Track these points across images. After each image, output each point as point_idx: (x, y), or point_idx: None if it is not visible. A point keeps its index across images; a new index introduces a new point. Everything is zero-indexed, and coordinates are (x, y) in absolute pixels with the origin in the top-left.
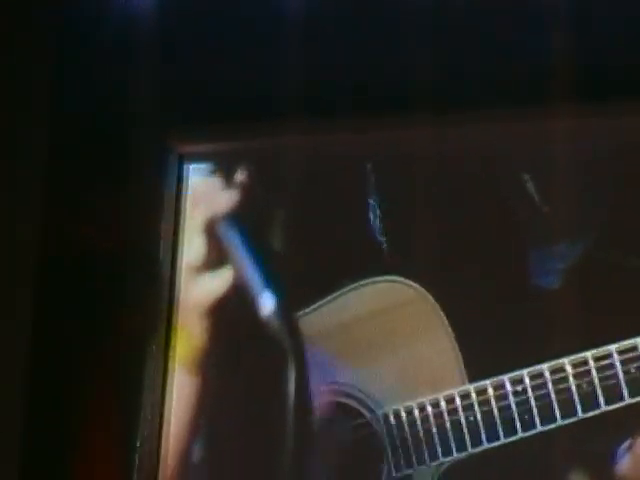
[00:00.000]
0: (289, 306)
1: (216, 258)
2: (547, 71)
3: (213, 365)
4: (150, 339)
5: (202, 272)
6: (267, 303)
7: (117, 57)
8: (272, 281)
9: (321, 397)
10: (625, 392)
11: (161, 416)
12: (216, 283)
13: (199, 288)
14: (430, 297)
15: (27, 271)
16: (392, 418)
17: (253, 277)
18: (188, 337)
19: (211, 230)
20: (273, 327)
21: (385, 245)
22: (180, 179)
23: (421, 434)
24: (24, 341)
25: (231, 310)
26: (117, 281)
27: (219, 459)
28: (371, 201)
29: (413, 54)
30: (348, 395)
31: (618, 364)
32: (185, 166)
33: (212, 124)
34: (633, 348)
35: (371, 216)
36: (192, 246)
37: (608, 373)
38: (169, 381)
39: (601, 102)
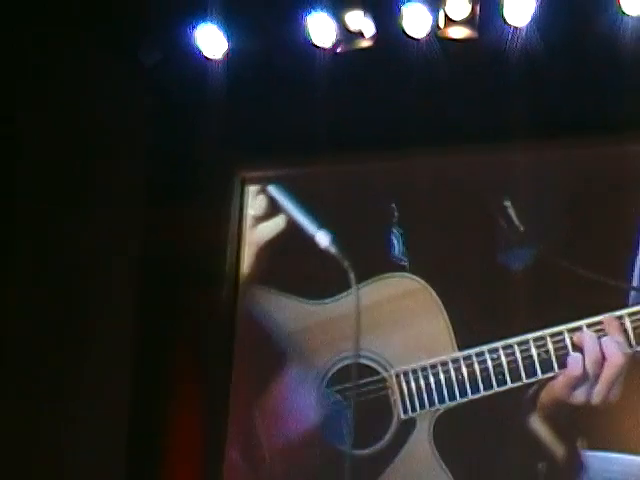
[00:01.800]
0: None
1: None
2: (517, 121)
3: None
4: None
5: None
6: (324, 238)
7: (197, 108)
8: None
9: None
10: None
11: None
12: (271, 227)
13: (258, 233)
14: (430, 288)
15: (134, 270)
16: (401, 376)
17: (307, 222)
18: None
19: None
20: (333, 253)
21: (400, 254)
22: (242, 198)
23: (422, 387)
24: (130, 318)
25: (287, 244)
26: (195, 278)
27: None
28: (393, 227)
29: (413, 109)
30: (370, 359)
31: (567, 340)
32: (246, 188)
33: (268, 155)
34: (579, 328)
35: (391, 235)
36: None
37: (560, 345)
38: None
39: (557, 142)
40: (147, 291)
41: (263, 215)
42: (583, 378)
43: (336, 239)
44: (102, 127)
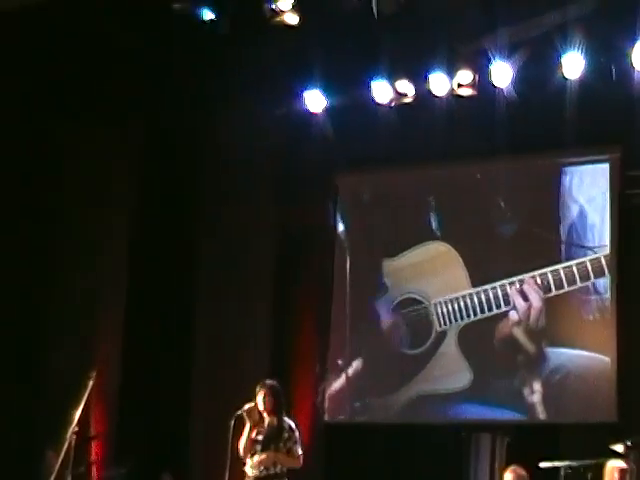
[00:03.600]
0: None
1: None
2: (502, 144)
3: None
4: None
5: None
6: None
7: (307, 142)
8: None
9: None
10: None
11: None
12: None
13: None
14: (455, 250)
15: (269, 251)
16: (437, 305)
17: None
18: None
19: None
20: None
21: (436, 228)
22: (336, 198)
23: (450, 310)
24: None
25: None
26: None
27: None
28: (432, 212)
29: (438, 139)
30: (418, 294)
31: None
32: (339, 193)
33: (353, 170)
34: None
35: (430, 217)
36: None
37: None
38: None
39: (527, 157)
40: (281, 252)
41: None
42: (521, 319)
43: None
44: (248, 156)
